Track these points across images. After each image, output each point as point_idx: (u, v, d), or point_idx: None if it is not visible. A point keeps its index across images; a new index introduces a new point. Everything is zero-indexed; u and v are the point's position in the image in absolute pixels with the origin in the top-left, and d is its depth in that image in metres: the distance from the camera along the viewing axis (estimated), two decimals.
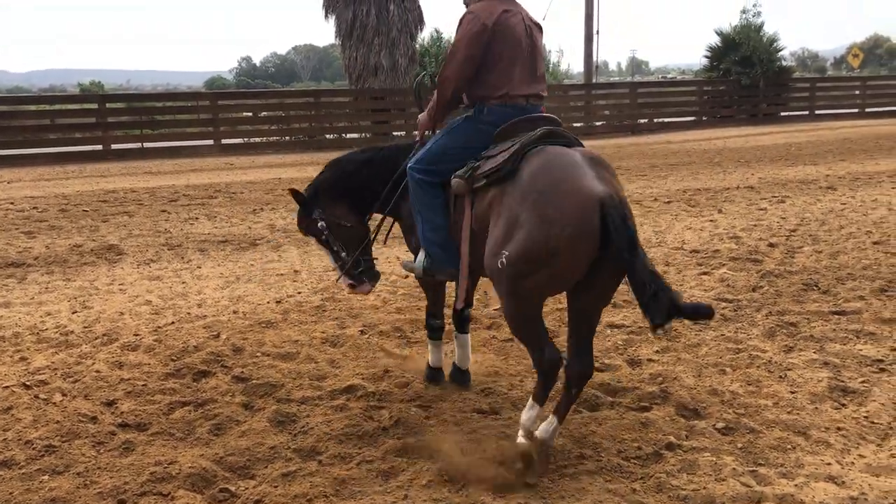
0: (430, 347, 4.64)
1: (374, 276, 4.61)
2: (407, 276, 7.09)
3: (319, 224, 4.54)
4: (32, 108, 23.66)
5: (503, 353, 5.06)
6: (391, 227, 4.60)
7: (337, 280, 4.84)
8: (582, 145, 3.78)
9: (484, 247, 3.64)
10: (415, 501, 3.35)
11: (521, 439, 3.60)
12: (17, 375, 4.80)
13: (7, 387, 4.61)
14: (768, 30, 27.72)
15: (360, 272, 4.55)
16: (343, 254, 4.55)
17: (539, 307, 3.63)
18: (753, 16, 28.70)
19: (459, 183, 3.85)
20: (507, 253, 3.42)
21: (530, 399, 3.65)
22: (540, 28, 4.19)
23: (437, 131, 4.24)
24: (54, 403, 4.38)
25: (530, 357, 3.66)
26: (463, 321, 4.58)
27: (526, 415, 3.64)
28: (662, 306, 3.10)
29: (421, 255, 4.17)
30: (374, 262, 4.65)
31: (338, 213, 4.53)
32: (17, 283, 7.17)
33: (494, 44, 3.90)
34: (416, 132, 4.38)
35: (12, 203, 11.76)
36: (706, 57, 28.57)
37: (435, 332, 4.59)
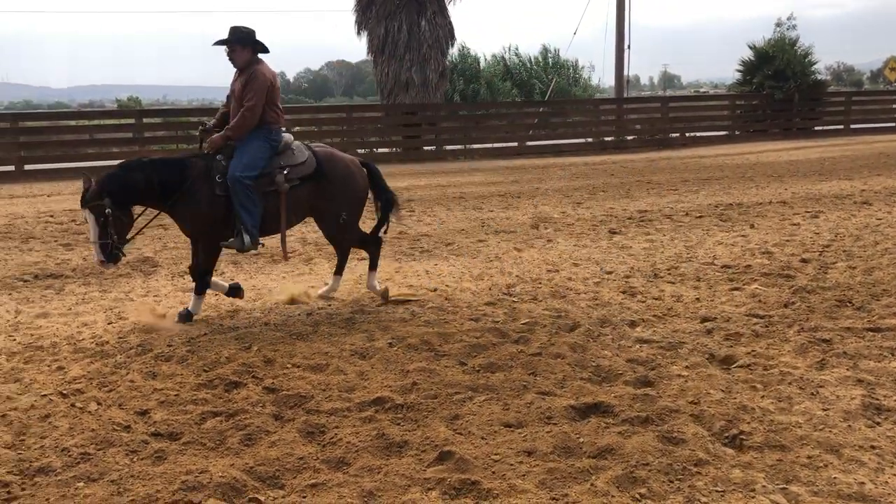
0: (196, 300, 6.28)
1: (115, 259, 5.95)
2: (435, 290, 7.11)
3: (107, 210, 5.77)
4: (72, 123, 24.20)
5: (531, 367, 5.03)
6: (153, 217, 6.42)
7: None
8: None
9: (294, 220, 6.58)
10: None
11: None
12: (55, 384, 4.92)
13: (45, 395, 4.73)
14: (805, 42, 27.46)
15: (112, 253, 5.86)
16: (114, 236, 5.84)
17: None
18: (788, 29, 28.50)
19: (281, 183, 6.16)
20: (345, 214, 6.49)
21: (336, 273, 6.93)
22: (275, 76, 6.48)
23: (239, 146, 6.10)
24: (90, 412, 4.48)
25: (348, 245, 6.89)
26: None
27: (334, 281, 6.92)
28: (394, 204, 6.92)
29: (245, 236, 6.06)
30: (125, 245, 6.06)
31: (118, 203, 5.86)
32: (56, 294, 7.34)
33: (273, 92, 6.28)
34: (207, 146, 6.25)
35: (52, 216, 12.05)
36: (739, 71, 28.37)
37: (206, 288, 6.28)
